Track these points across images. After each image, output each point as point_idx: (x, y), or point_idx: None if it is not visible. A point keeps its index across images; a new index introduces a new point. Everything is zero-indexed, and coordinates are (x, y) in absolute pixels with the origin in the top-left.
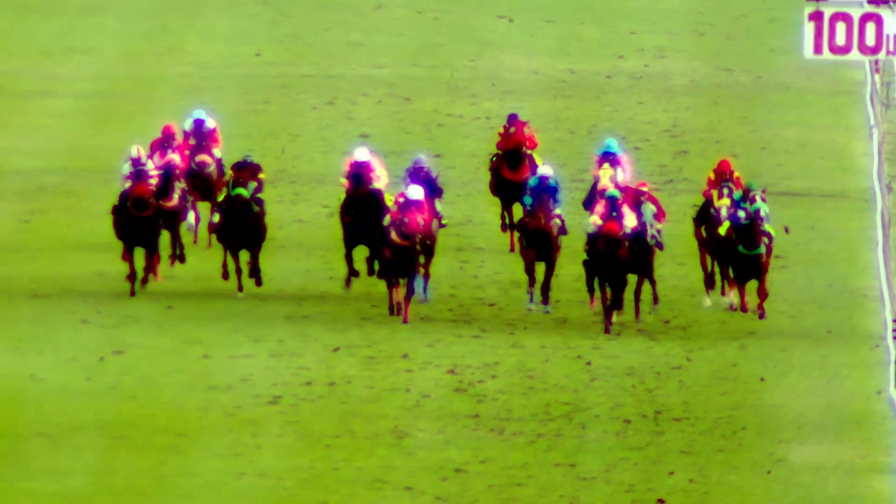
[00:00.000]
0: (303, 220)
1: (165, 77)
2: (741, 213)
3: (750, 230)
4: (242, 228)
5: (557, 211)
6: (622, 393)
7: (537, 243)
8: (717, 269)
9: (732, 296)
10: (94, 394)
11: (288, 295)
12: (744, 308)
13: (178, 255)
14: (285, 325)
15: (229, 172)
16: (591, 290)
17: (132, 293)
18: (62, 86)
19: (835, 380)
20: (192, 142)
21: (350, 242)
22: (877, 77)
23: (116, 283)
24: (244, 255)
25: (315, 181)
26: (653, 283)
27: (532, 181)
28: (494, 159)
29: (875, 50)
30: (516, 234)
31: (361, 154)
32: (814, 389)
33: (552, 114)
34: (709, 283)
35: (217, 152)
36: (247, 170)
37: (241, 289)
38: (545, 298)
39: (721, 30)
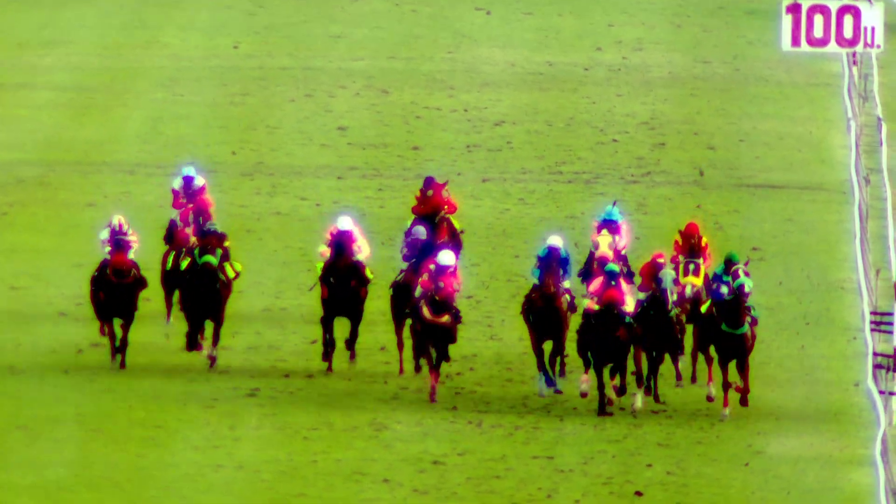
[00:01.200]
0: (280, 212)
1: (144, 69)
2: (724, 289)
3: (734, 307)
4: (208, 299)
5: (566, 285)
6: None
7: (546, 321)
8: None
9: (710, 387)
10: (72, 386)
11: (266, 287)
12: (725, 384)
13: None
14: (263, 317)
15: (193, 239)
16: (586, 368)
17: (122, 366)
18: (40, 78)
19: (813, 372)
20: (182, 200)
21: (329, 314)
22: (854, 69)
23: None
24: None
25: (293, 173)
26: (675, 360)
27: (541, 252)
28: (409, 224)
29: (853, 42)
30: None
31: (345, 223)
32: (792, 381)
33: (530, 106)
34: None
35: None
36: (212, 237)
37: (212, 364)
38: (550, 380)
39: (699, 22)
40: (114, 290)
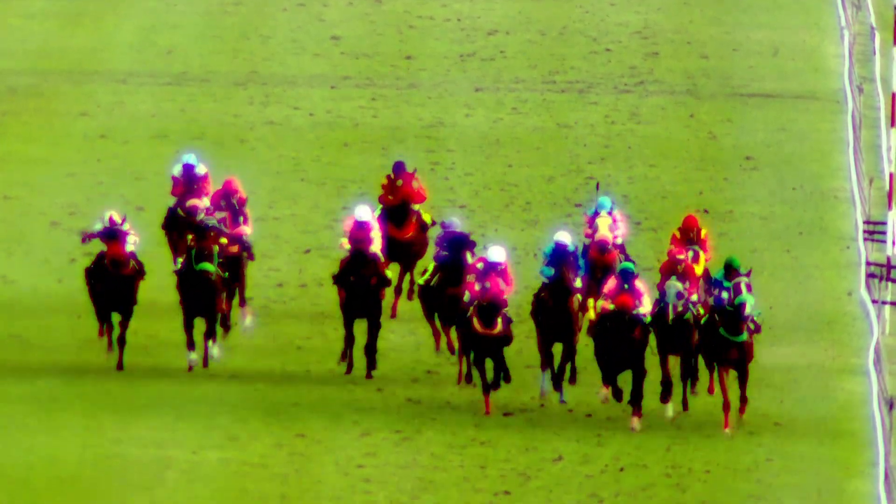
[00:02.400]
0: (273, 121)
1: None
2: (725, 295)
3: (734, 316)
4: (203, 301)
5: (577, 284)
6: None
7: (556, 321)
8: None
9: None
10: (65, 295)
11: (259, 197)
12: (726, 404)
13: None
14: (256, 226)
15: (190, 237)
16: (605, 380)
17: (119, 367)
18: None
19: (806, 281)
20: (182, 189)
21: (349, 315)
22: None
23: (88, 186)
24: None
25: (286, 83)
26: (691, 368)
27: (547, 249)
28: (377, 214)
29: None
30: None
31: (363, 213)
32: (785, 290)
33: (523, 15)
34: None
35: (206, 201)
36: (208, 236)
37: (206, 364)
38: (557, 386)
39: None
40: (112, 282)
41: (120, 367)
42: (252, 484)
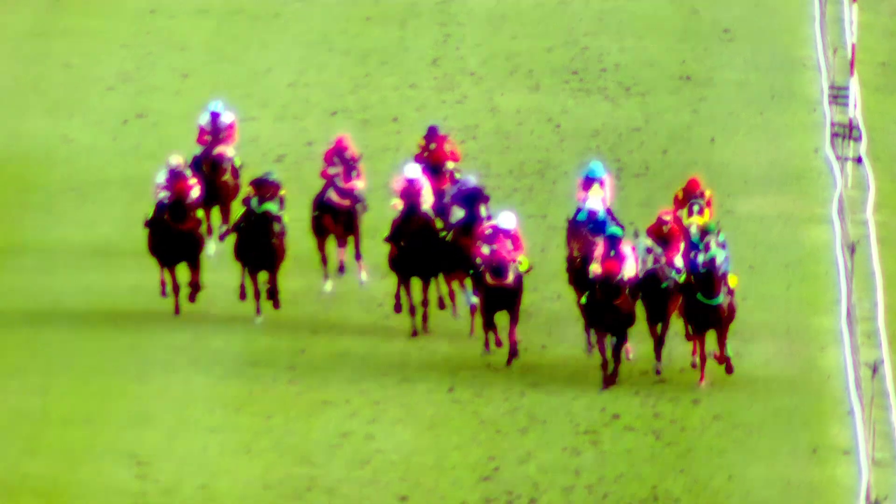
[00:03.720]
0: None
1: None
2: (701, 258)
3: (708, 278)
4: (264, 248)
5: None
6: (588, 152)
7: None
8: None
9: (697, 357)
10: (118, 152)
11: (291, 66)
12: (702, 357)
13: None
14: (288, 91)
15: (248, 188)
16: (589, 341)
17: (178, 312)
18: None
19: (777, 140)
20: (207, 138)
21: (405, 275)
22: None
23: (138, 56)
24: (262, 276)
25: None
26: (663, 331)
27: (581, 216)
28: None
29: None
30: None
31: (413, 171)
32: (759, 148)
33: None
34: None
35: (231, 151)
36: (268, 187)
37: (259, 311)
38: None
39: None
40: (173, 236)
41: (192, 299)
42: (284, 319)
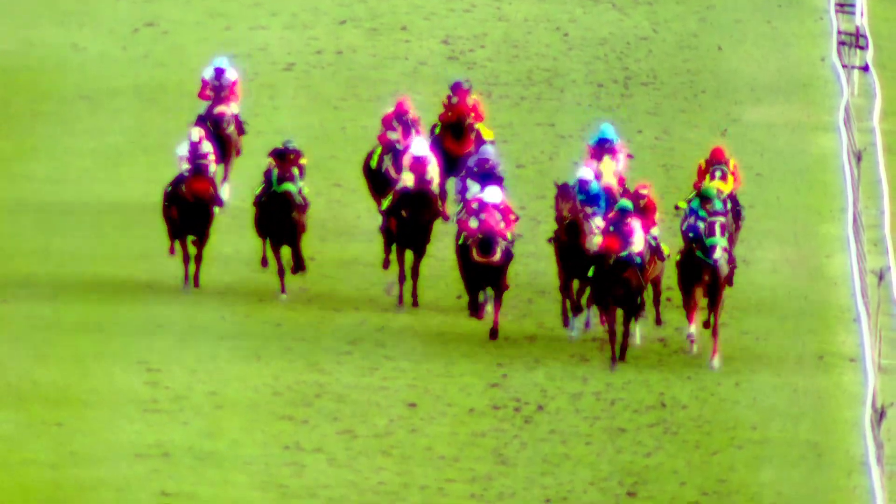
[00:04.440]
0: None
1: None
2: (701, 224)
3: (706, 243)
4: (285, 224)
5: (598, 222)
6: (596, 61)
7: (570, 257)
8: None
9: (692, 327)
10: (129, 61)
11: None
12: (707, 324)
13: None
14: (297, 3)
15: (270, 160)
16: (600, 311)
17: (195, 283)
18: None
19: (784, 48)
20: (209, 93)
21: (402, 245)
22: None
23: None
24: (285, 251)
25: None
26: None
27: (571, 181)
28: (438, 131)
29: None
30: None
31: (420, 147)
32: (766, 57)
33: None
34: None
35: (235, 108)
36: (289, 159)
37: (283, 290)
38: (576, 316)
39: None
40: (188, 208)
41: (196, 283)
42: None
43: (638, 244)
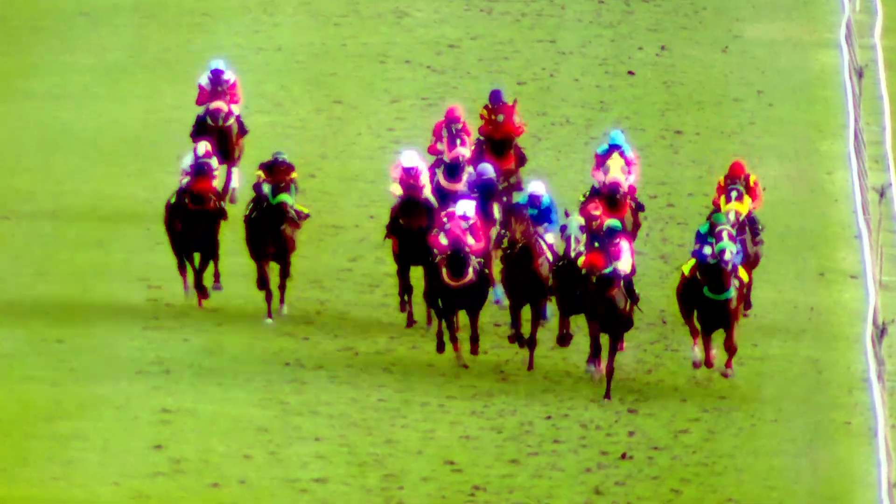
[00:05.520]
0: None
1: None
2: (707, 250)
3: (716, 271)
4: (276, 240)
5: (550, 239)
6: None
7: (521, 282)
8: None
9: (697, 350)
10: None
11: None
12: (709, 363)
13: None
14: None
15: (259, 173)
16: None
17: (187, 289)
18: None
19: None
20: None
21: (404, 263)
22: None
23: None
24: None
25: None
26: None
27: (522, 198)
28: (479, 145)
29: None
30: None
31: (410, 159)
32: None
33: None
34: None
35: (236, 108)
36: (280, 171)
37: (270, 315)
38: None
39: None
40: (192, 219)
41: (200, 303)
42: (295, 145)
43: (625, 264)
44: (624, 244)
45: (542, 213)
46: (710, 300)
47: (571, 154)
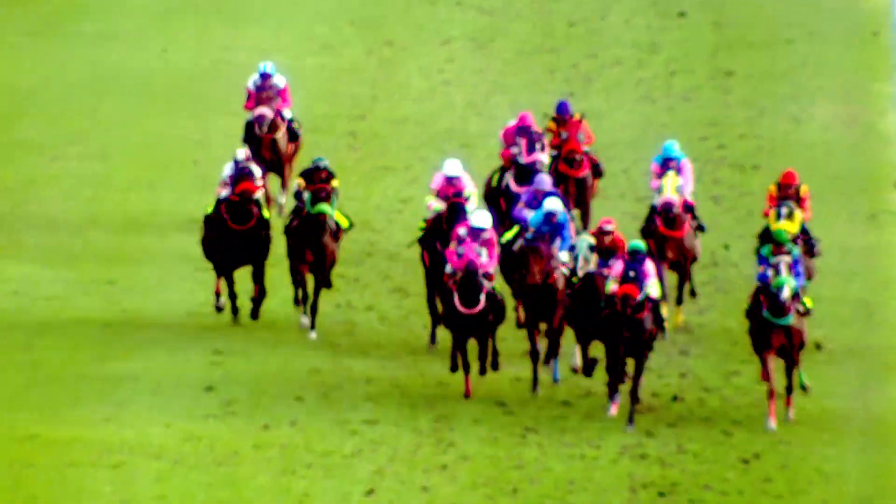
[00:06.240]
0: None
1: None
2: (770, 272)
3: (777, 297)
4: (315, 251)
5: (564, 258)
6: None
7: (536, 301)
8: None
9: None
10: None
11: None
12: (771, 394)
13: None
14: None
15: (299, 181)
16: (611, 372)
17: (219, 303)
18: None
19: None
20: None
21: (433, 285)
22: None
23: None
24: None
25: None
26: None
27: (537, 215)
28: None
29: None
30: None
31: (453, 168)
32: None
33: None
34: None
35: (287, 113)
36: (319, 178)
37: (313, 325)
38: (549, 360)
39: None
40: (233, 233)
41: (254, 315)
42: (344, 87)
43: (653, 288)
44: (650, 266)
45: (555, 230)
46: (769, 323)
47: (621, 95)
